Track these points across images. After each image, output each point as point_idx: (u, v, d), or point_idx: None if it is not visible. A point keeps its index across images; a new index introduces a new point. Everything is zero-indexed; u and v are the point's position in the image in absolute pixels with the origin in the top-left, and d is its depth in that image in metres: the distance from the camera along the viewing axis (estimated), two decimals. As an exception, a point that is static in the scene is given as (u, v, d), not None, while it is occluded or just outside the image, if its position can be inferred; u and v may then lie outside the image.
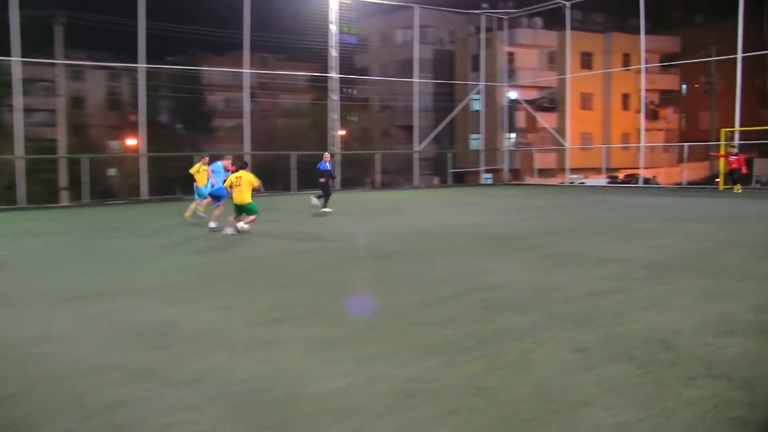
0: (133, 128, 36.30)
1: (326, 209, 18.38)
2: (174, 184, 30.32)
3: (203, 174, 16.25)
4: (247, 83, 29.83)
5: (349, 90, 45.09)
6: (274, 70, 44.38)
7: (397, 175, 42.10)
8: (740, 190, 24.73)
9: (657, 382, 4.38)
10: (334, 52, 31.53)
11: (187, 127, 49.06)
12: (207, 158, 16.76)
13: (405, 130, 47.84)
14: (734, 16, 27.84)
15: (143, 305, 7.03)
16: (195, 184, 16.66)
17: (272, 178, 36.74)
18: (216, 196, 14.90)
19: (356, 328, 5.95)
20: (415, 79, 35.21)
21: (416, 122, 35.29)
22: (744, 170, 25.10)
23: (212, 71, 48.63)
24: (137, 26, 25.97)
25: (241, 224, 13.21)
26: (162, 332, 5.87)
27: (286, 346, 5.40)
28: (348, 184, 34.79)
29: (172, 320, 6.32)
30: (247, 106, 29.96)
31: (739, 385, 4.28)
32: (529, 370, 4.69)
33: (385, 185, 35.61)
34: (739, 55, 27.75)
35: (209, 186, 15.50)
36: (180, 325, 6.12)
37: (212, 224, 13.98)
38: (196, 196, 16.75)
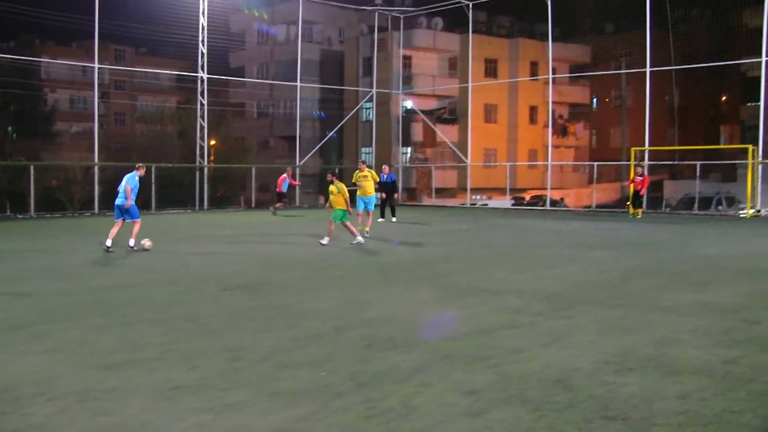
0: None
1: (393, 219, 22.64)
2: (2, 198, 28.81)
3: None
4: (97, 80, 28.86)
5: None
6: (132, 67, 43.29)
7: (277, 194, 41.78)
8: (640, 215, 26.24)
9: (551, 427, 4.57)
10: (203, 49, 31.12)
11: (19, 131, 46.55)
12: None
13: (286, 141, 47.80)
14: (643, 28, 30.00)
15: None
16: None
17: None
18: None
19: (216, 371, 5.86)
20: (299, 83, 35.29)
21: (299, 132, 35.30)
22: (642, 192, 26.68)
23: (53, 64, 46.62)
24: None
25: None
26: (-28, 382, 5.53)
27: (130, 395, 5.23)
28: (219, 203, 34.27)
29: (-13, 367, 5.97)
30: (96, 108, 28.98)
31: (634, 426, 4.56)
32: (412, 417, 4.77)
33: (263, 204, 35.29)
34: (648, 69, 29.84)
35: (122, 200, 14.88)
36: (-4, 373, 5.79)
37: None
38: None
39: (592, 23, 49.43)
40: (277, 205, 27.20)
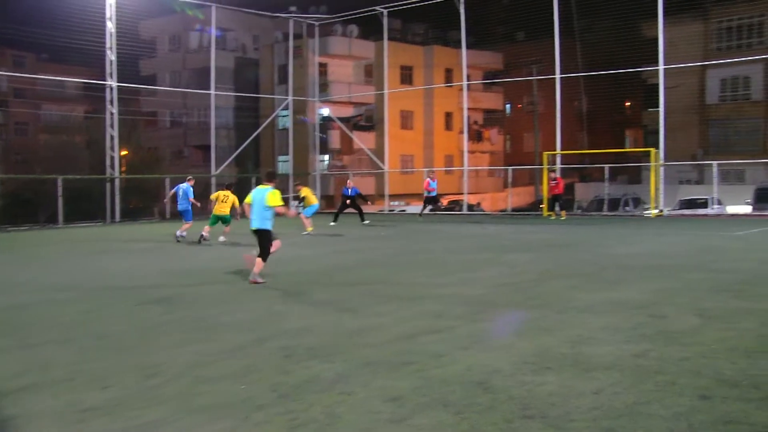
0: None
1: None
2: None
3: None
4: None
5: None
6: (33, 74, 41.71)
7: (192, 204, 41.03)
8: (564, 217, 27.13)
9: (473, 430, 4.64)
10: (111, 56, 30.31)
11: None
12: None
13: (201, 151, 47.05)
14: (552, 36, 30.96)
15: None
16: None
17: (33, 208, 34.32)
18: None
19: (131, 390, 5.69)
20: (212, 91, 34.80)
21: (213, 141, 34.81)
22: (560, 194, 27.62)
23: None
24: None
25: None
26: None
27: (34, 421, 5.02)
28: (131, 215, 33.38)
29: None
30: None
31: (552, 423, 4.67)
32: (336, 426, 4.76)
33: (177, 216, 34.52)
34: (558, 76, 30.78)
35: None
36: None
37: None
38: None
39: (504, 31, 50.54)
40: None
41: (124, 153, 37.79)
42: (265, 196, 11.25)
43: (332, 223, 25.06)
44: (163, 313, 9.17)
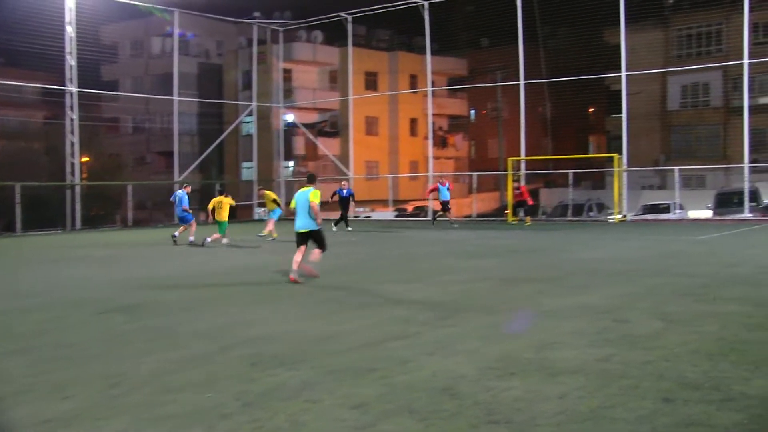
0: None
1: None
2: None
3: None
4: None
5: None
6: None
7: (155, 211, 40.73)
8: (528, 222, 27.40)
9: (438, 435, 4.65)
10: (71, 61, 29.90)
11: None
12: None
13: (164, 157, 46.61)
14: (516, 42, 31.28)
15: None
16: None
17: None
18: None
19: (92, 400, 5.61)
20: (175, 97, 34.50)
21: (177, 148, 34.50)
22: (526, 200, 27.84)
23: None
24: None
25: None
26: None
27: (-4, 431, 4.92)
28: (93, 222, 32.93)
29: None
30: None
31: (518, 429, 4.71)
32: (300, 434, 4.74)
33: (140, 223, 34.20)
34: (522, 82, 31.10)
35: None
36: None
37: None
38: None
39: (468, 38, 50.92)
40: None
41: (84, 159, 37.29)
42: (308, 196, 11.96)
43: (348, 229, 25.27)
44: (126, 321, 9.06)
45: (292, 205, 12.37)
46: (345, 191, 25.86)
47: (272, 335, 7.91)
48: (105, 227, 32.00)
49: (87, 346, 7.63)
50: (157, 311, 9.77)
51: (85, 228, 29.99)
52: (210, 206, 20.28)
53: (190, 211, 21.01)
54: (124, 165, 47.82)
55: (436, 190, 27.71)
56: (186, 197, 20.93)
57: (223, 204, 19.94)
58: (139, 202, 35.84)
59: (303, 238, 12.25)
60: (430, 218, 34.31)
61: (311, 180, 12.52)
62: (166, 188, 36.41)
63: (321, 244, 12.26)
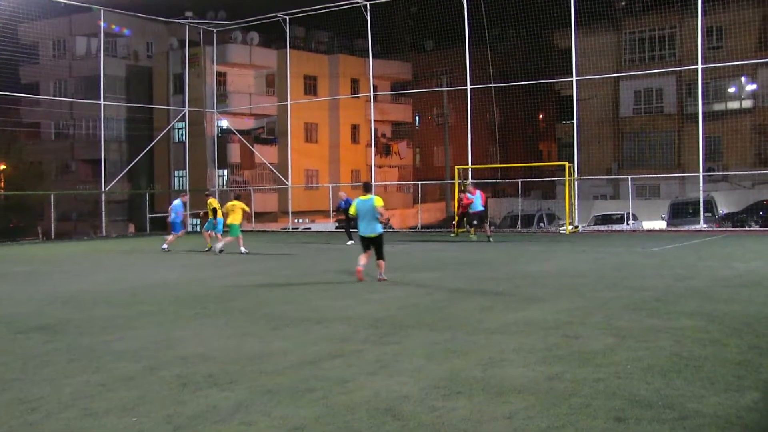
0: None
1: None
2: None
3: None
4: None
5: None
6: None
7: (80, 223, 39.96)
8: (474, 235, 27.40)
9: (379, 457, 4.66)
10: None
11: None
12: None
13: (90, 165, 45.77)
14: (463, 45, 31.64)
15: None
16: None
17: None
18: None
19: (6, 427, 5.46)
20: (102, 101, 33.92)
21: (103, 155, 33.91)
22: (463, 209, 27.05)
23: None
24: None
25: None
26: None
27: None
28: (11, 235, 32.09)
29: None
30: None
31: (463, 451, 4.74)
32: (234, 460, 4.70)
33: (64, 235, 33.45)
34: (468, 87, 31.46)
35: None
36: None
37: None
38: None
39: (413, 40, 51.32)
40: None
41: (2, 167, 36.34)
42: (374, 203, 13.62)
43: (350, 242, 24.33)
44: (47, 341, 8.84)
45: (352, 211, 14.14)
46: (344, 202, 25.21)
47: (204, 354, 7.81)
48: (25, 240, 31.18)
49: (2, 369, 7.42)
50: (81, 330, 9.55)
51: (2, 241, 29.17)
52: (224, 209, 21.91)
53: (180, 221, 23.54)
54: (46, 173, 46.76)
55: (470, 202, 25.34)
56: (181, 206, 23.57)
57: (235, 208, 21.32)
58: (63, 213, 35.08)
59: (368, 243, 13.91)
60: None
61: (369, 188, 14.34)
62: (92, 199, 35.71)
63: (380, 250, 13.78)
